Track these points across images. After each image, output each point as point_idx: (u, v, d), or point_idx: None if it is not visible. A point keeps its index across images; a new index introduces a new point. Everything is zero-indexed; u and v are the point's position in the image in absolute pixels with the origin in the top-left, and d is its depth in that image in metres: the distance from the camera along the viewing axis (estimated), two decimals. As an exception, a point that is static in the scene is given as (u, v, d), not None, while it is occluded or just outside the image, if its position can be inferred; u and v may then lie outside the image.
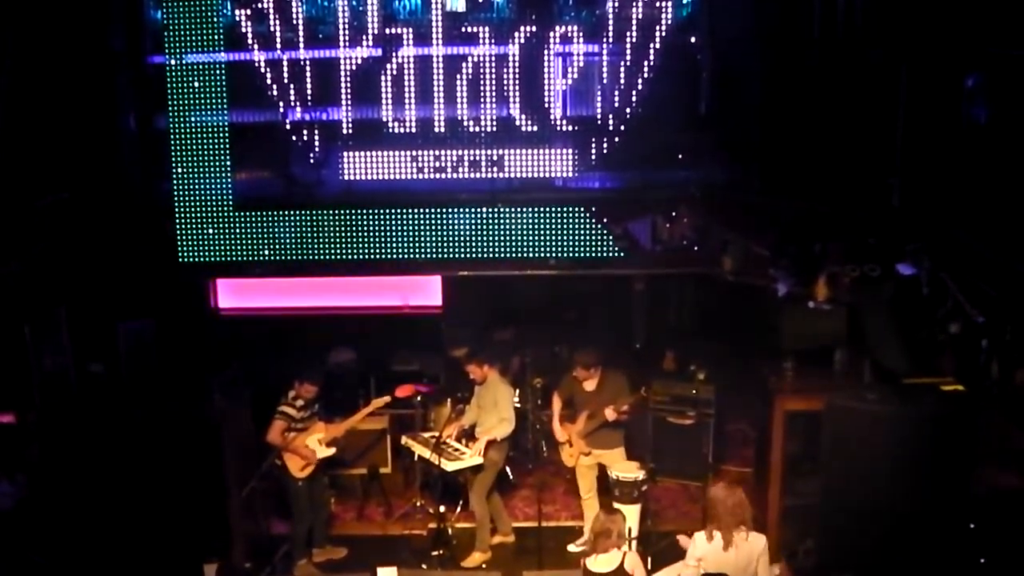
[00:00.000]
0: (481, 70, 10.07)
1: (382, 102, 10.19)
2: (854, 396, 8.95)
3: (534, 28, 10.01)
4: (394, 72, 10.11)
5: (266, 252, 10.54)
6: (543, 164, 10.17)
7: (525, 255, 10.23)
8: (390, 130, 10.24)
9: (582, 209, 10.22)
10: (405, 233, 10.33)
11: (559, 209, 10.21)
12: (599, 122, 10.16)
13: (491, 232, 10.24)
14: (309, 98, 10.28)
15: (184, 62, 10.22)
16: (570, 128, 10.18)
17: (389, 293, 11.93)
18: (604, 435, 9.81)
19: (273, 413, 9.56)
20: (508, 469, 10.72)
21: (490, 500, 10.05)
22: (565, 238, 10.17)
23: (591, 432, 9.78)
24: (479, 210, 10.29)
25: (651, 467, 9.82)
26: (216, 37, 10.17)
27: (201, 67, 10.22)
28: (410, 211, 10.34)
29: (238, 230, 10.49)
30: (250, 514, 9.99)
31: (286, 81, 10.24)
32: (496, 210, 10.25)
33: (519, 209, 10.25)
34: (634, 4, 9.86)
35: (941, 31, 9.49)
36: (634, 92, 10.04)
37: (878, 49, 10.34)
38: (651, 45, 9.96)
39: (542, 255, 10.23)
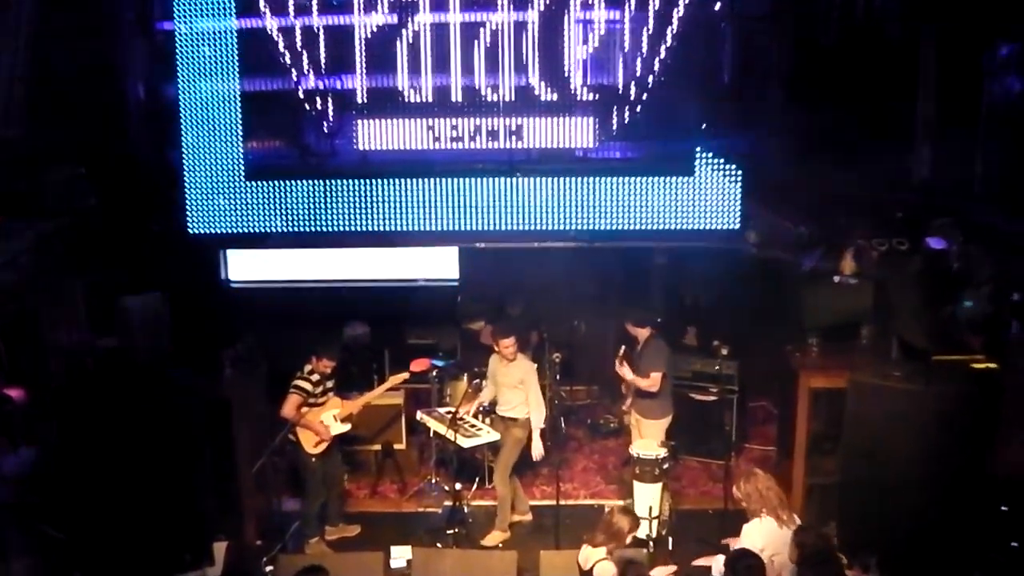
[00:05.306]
0: (499, 37, 9.84)
1: (398, 70, 9.97)
2: (879, 373, 8.81)
3: (554, -6, 9.77)
4: (410, 39, 9.89)
5: (279, 223, 10.37)
6: (563, 134, 9.97)
7: (545, 227, 10.06)
8: (406, 99, 10.03)
9: (603, 179, 10.03)
10: (421, 204, 10.17)
11: (580, 180, 10.02)
12: (620, 91, 9.94)
13: (510, 203, 10.07)
14: (323, 66, 10.07)
15: (194, 28, 10.02)
16: (591, 97, 9.96)
17: (405, 265, 11.76)
18: (640, 401, 9.89)
19: (288, 387, 9.43)
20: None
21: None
22: (586, 209, 10.00)
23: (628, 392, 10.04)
24: (498, 180, 10.11)
25: (672, 445, 9.67)
26: (227, 3, 9.96)
27: (212, 34, 10.02)
28: (427, 181, 10.16)
29: (250, 201, 10.33)
30: (262, 491, 9.88)
31: (299, 48, 10.03)
32: (515, 180, 10.07)
33: (538, 179, 10.06)
34: (657, -29, 9.61)
35: (966, 3, 9.31)
36: (656, 61, 9.81)
37: (899, 22, 10.13)
38: (674, 13, 9.72)
39: (562, 227, 10.05)
